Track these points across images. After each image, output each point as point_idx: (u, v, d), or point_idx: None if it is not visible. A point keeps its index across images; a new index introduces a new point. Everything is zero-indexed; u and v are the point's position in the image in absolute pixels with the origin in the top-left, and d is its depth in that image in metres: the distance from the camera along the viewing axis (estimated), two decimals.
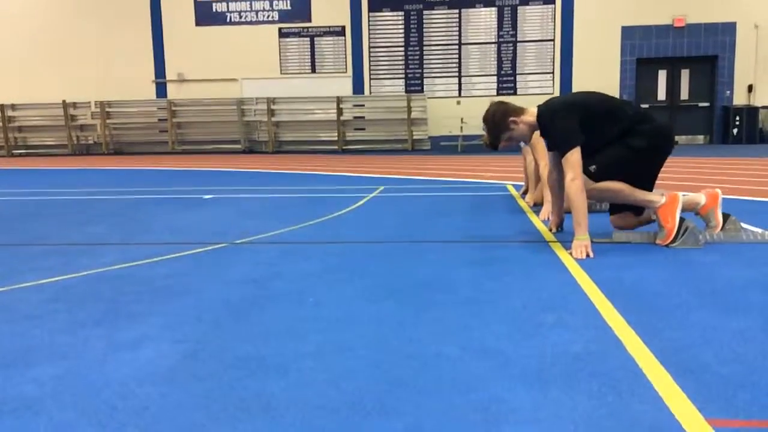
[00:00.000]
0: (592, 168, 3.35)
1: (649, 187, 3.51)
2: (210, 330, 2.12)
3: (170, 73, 17.19)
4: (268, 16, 16.78)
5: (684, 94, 16.49)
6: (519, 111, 3.55)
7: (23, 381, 1.72)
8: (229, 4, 16.85)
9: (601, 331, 2.03)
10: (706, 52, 15.85)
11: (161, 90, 17.30)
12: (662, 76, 16.40)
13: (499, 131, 3.55)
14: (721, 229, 3.56)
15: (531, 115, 3.54)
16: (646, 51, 15.94)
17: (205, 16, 16.95)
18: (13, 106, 17.09)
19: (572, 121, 3.35)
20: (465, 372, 1.71)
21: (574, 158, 3.29)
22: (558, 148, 3.46)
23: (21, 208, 5.64)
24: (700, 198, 3.58)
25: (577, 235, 3.23)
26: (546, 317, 2.18)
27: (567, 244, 3.40)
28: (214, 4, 16.88)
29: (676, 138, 16.33)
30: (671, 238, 3.33)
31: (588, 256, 3.13)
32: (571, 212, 3.31)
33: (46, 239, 4.00)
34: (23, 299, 2.55)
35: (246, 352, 1.89)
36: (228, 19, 16.89)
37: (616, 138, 3.38)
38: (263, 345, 1.96)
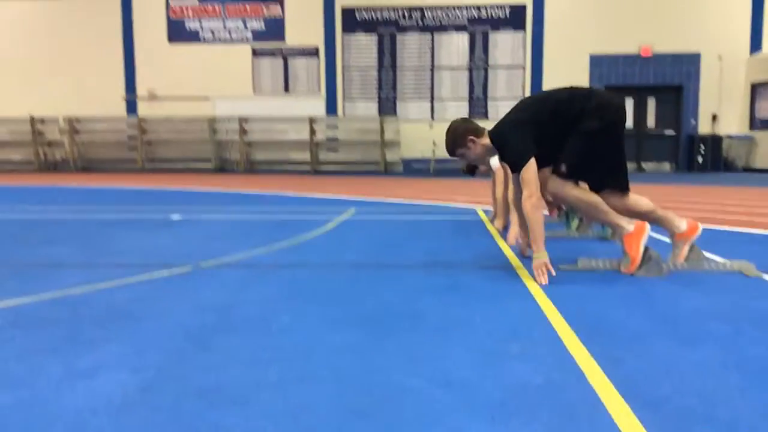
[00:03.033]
0: (563, 168, 3.42)
1: (622, 159, 3.56)
2: (170, 358, 2.08)
3: (141, 90, 17.08)
4: (242, 36, 16.79)
5: (650, 123, 16.87)
6: (480, 132, 3.59)
7: None
8: (203, 22, 16.84)
9: (564, 361, 2.03)
10: (672, 82, 16.28)
11: (132, 107, 17.15)
12: (629, 104, 16.77)
13: (455, 145, 3.59)
14: (684, 259, 3.62)
15: (488, 139, 3.59)
16: (614, 79, 16.30)
17: (178, 33, 16.90)
18: None
19: (521, 138, 3.40)
20: (428, 403, 1.70)
21: (527, 176, 3.34)
22: (513, 168, 3.51)
23: None
24: (682, 224, 3.63)
25: (535, 253, 3.27)
26: (510, 347, 2.18)
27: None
28: (187, 22, 16.85)
29: (643, 165, 16.70)
30: (635, 267, 3.38)
31: (550, 274, 3.17)
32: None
33: (4, 260, 3.90)
34: None
35: (206, 382, 1.86)
36: (201, 38, 16.86)
37: (571, 127, 3.41)
38: (224, 374, 1.93)
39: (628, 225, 3.43)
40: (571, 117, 3.42)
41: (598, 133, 3.40)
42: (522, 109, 3.58)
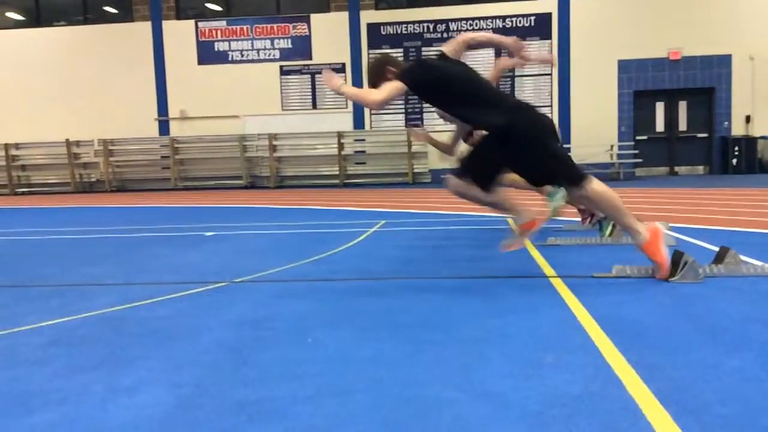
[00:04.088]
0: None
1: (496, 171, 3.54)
2: (208, 373, 2.11)
3: (173, 111, 17.39)
4: (270, 55, 17.03)
5: (682, 126, 16.62)
6: (399, 66, 3.61)
7: (20, 428, 1.71)
8: (231, 43, 17.12)
9: (600, 370, 2.02)
10: (702, 84, 16.02)
11: (164, 127, 17.48)
12: (660, 108, 16.55)
13: (374, 76, 3.62)
14: (720, 262, 3.56)
15: None
16: (643, 84, 16.12)
17: (208, 55, 17.20)
18: (16, 145, 17.26)
19: (421, 65, 3.65)
20: (465, 415, 1.70)
21: (388, 89, 3.43)
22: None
23: (23, 248, 5.65)
24: (645, 233, 3.40)
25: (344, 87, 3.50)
26: (546, 356, 2.17)
27: (568, 280, 3.41)
28: (216, 44, 17.15)
29: (676, 169, 16.43)
30: (668, 271, 3.32)
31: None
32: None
33: (46, 280, 4.01)
34: (22, 343, 2.55)
35: (244, 397, 1.88)
36: (230, 58, 17.14)
37: (475, 105, 3.43)
38: (261, 389, 1.95)
39: (645, 232, 3.34)
40: (481, 100, 3.42)
41: (495, 135, 3.41)
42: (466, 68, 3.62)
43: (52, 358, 2.33)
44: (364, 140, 16.90)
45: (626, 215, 3.40)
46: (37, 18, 17.86)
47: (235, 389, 1.95)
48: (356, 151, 16.85)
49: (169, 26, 17.26)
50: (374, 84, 3.65)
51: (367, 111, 16.92)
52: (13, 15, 18.01)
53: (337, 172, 16.52)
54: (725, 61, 15.87)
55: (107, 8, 17.92)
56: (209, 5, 17.56)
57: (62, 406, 1.87)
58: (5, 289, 3.76)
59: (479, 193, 3.52)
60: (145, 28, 17.30)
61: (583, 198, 3.47)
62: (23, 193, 17.06)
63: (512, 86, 16.45)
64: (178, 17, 17.36)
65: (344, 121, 16.91)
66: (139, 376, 2.10)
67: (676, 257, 3.36)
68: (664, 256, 3.32)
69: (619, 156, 16.09)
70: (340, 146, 16.44)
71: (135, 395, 1.93)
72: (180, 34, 17.18)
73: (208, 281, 3.75)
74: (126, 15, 17.61)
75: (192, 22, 17.19)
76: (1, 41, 17.61)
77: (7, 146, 16.99)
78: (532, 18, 16.33)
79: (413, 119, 16.80)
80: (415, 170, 16.37)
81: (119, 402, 1.88)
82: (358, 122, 16.95)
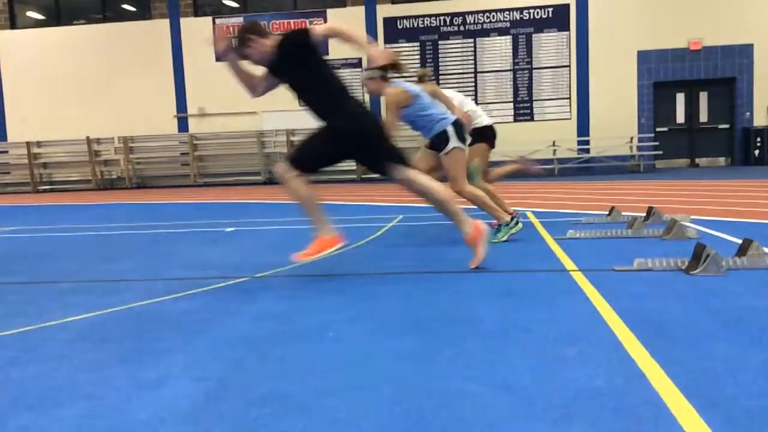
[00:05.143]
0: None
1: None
2: (232, 367, 2.13)
3: (191, 108, 17.51)
4: None
5: (703, 117, 16.42)
6: (264, 34, 3.76)
7: (49, 422, 1.74)
8: None
9: (623, 363, 2.01)
10: (723, 75, 15.81)
11: (183, 124, 17.60)
12: (680, 99, 16.36)
13: (238, 43, 3.79)
14: (743, 255, 3.52)
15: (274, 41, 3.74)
16: (663, 74, 15.94)
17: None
18: (38, 143, 17.47)
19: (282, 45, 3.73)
20: (488, 409, 1.70)
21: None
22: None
23: (46, 245, 5.74)
24: (468, 226, 3.76)
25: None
26: (568, 350, 2.16)
27: (589, 273, 3.39)
28: (233, 41, 17.22)
29: (697, 161, 16.24)
30: (479, 261, 3.70)
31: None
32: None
33: (71, 276, 4.06)
34: (49, 338, 2.59)
35: (268, 390, 1.90)
36: None
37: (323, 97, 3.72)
38: (285, 382, 1.97)
39: (468, 221, 3.76)
40: (333, 99, 3.69)
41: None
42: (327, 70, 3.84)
43: (78, 353, 2.37)
44: None
45: (452, 202, 3.82)
46: (57, 17, 18.04)
47: (259, 383, 1.97)
48: None
49: (187, 23, 17.36)
50: (240, 52, 3.83)
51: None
52: (33, 14, 18.22)
53: (354, 167, 16.54)
54: (747, 50, 15.65)
55: (126, 6, 18.06)
56: (226, 2, 17.63)
57: (90, 399, 1.90)
58: (31, 286, 3.83)
59: (302, 188, 3.66)
60: (163, 25, 17.42)
61: (404, 181, 3.71)
62: (45, 191, 17.28)
63: (530, 79, 16.35)
64: (196, 14, 17.46)
65: None
66: (164, 370, 2.13)
67: (698, 250, 3.34)
68: (483, 250, 3.72)
69: (639, 148, 15.93)
70: None
71: (160, 389, 1.96)
72: (198, 30, 17.27)
73: (229, 276, 3.78)
74: (144, 12, 17.74)
75: (209, 18, 17.27)
76: (22, 40, 17.83)
77: (28, 144, 17.21)
78: (550, 9, 16.19)
79: None
80: None
81: (145, 395, 1.91)
82: None
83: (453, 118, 4.62)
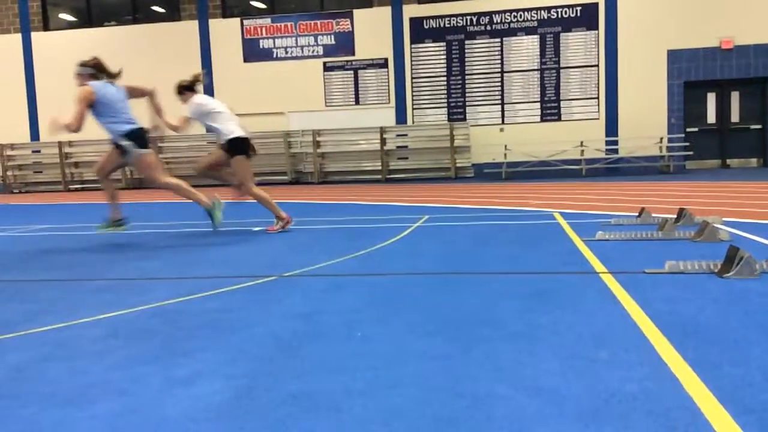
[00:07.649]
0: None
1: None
2: (262, 366, 2.15)
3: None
4: (314, 51, 17.14)
5: (735, 117, 16.12)
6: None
7: (82, 418, 1.77)
8: (276, 40, 17.30)
9: (656, 367, 1.98)
10: (756, 74, 15.51)
11: None
12: (711, 99, 16.09)
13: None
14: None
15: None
16: (694, 74, 15.68)
17: (253, 52, 17.42)
18: (69, 143, 17.78)
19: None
20: (517, 411, 1.69)
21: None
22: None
23: (77, 243, 5.84)
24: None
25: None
26: (599, 353, 2.14)
27: (619, 276, 3.35)
28: (261, 41, 17.35)
29: (728, 162, 15.95)
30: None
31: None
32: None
33: (102, 274, 4.13)
34: (82, 335, 2.64)
35: (297, 389, 1.91)
36: (274, 55, 17.32)
37: None
38: (314, 381, 1.98)
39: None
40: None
41: None
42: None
43: (110, 350, 2.41)
44: (406, 135, 16.88)
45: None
46: (88, 19, 18.35)
47: (288, 381, 1.98)
48: (398, 146, 16.84)
49: (216, 24, 17.54)
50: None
51: (409, 106, 16.90)
52: (66, 16, 18.54)
53: (380, 168, 16.56)
54: None
55: (155, 8, 18.29)
56: (254, 3, 17.77)
57: (122, 396, 1.92)
58: (62, 283, 3.89)
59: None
60: (192, 26, 17.62)
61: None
62: (76, 190, 17.58)
63: (557, 78, 16.21)
64: (224, 15, 17.62)
65: (386, 116, 16.92)
66: (194, 368, 2.15)
67: (732, 253, 3.28)
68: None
69: (669, 149, 15.68)
70: (383, 141, 16.46)
71: (191, 386, 1.98)
72: (226, 32, 17.44)
73: (257, 275, 3.81)
74: (173, 14, 17.96)
75: (237, 20, 17.43)
76: (54, 42, 18.16)
77: (60, 144, 17.53)
78: (578, 8, 16.04)
79: (456, 113, 16.70)
80: (458, 164, 16.29)
81: (176, 393, 1.93)
82: (400, 117, 16.94)
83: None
